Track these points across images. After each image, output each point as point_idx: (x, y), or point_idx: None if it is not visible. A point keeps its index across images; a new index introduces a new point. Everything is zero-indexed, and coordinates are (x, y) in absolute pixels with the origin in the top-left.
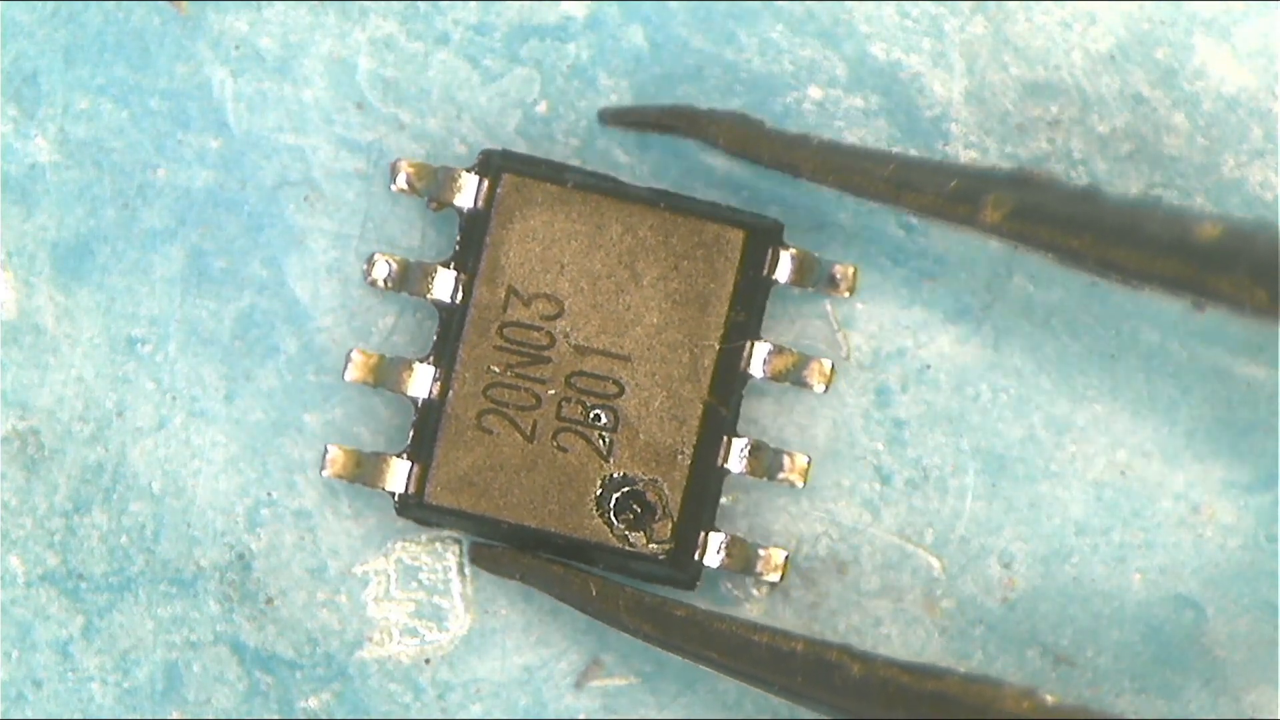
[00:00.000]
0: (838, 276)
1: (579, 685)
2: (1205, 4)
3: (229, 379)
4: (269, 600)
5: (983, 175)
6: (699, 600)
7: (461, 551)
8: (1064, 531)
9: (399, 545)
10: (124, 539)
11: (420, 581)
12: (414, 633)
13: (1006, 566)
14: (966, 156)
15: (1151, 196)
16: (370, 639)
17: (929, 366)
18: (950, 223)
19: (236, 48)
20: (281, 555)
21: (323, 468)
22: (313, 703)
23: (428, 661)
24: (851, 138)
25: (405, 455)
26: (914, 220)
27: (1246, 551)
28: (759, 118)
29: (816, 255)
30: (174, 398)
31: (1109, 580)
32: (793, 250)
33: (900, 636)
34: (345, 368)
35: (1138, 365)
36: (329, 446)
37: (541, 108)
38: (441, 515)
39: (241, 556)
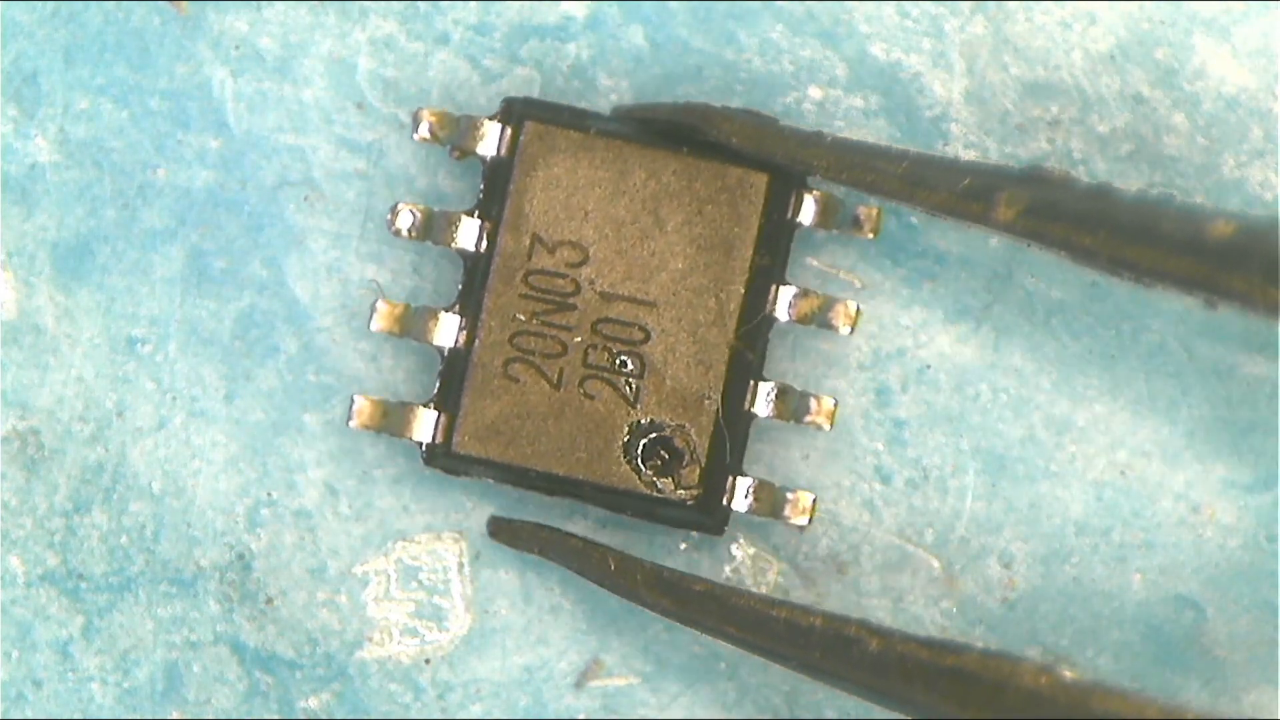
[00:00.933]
0: (861, 218)
1: (579, 685)
2: (1205, 4)
3: (229, 379)
4: (269, 600)
5: (996, 173)
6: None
7: (462, 551)
8: (1064, 531)
9: (399, 545)
10: (124, 539)
11: (420, 581)
12: (414, 633)
13: (1006, 566)
14: (967, 156)
15: (1165, 194)
16: (370, 639)
17: (929, 366)
18: (963, 220)
19: (236, 48)
20: (281, 555)
21: (349, 419)
22: (313, 703)
23: (428, 661)
24: (852, 138)
25: (432, 405)
26: (914, 220)
27: (1246, 551)
28: (771, 115)
29: (840, 197)
30: (174, 398)
31: (1109, 580)
32: (816, 193)
33: None
34: (370, 318)
35: (1138, 365)
36: (355, 397)
37: None
38: (469, 464)
39: (241, 556)
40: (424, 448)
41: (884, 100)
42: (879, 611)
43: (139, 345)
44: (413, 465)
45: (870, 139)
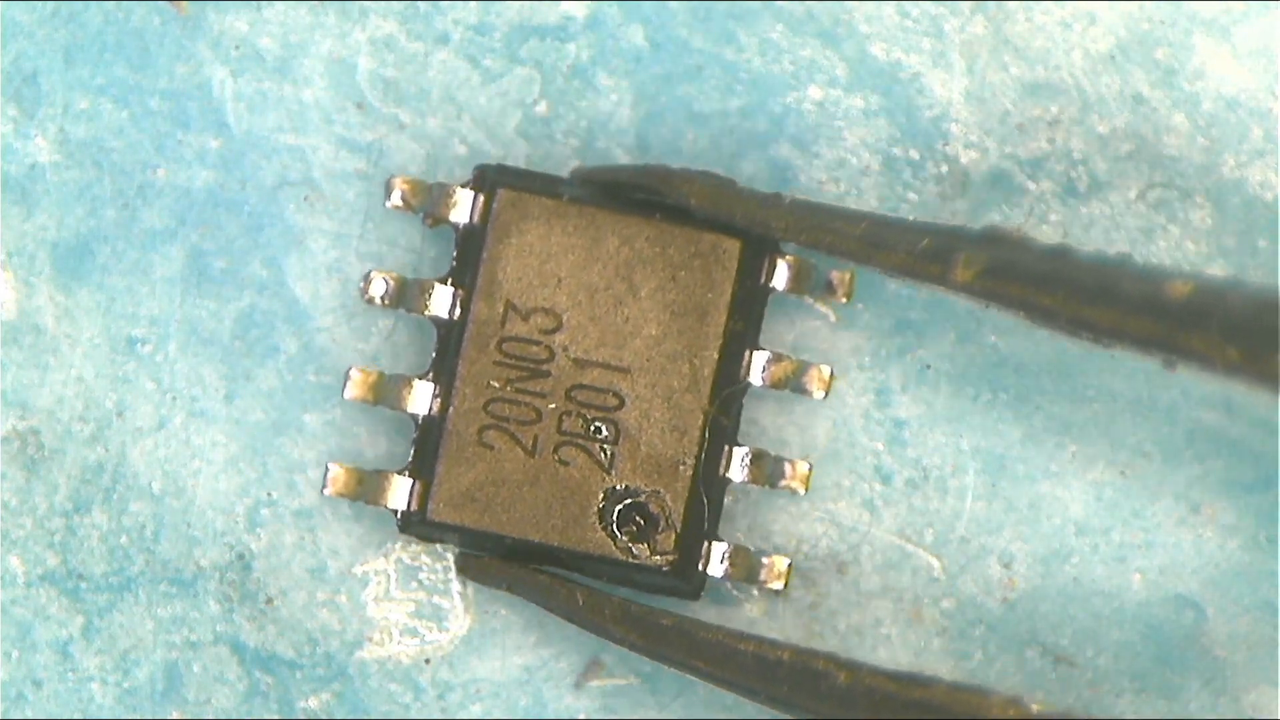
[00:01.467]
0: (834, 282)
1: (579, 685)
2: (1205, 4)
3: (229, 379)
4: (269, 600)
5: (954, 234)
6: (702, 600)
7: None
8: (1064, 531)
9: (399, 545)
10: (124, 539)
11: (420, 581)
12: (414, 633)
13: (1006, 566)
14: (966, 157)
15: (1123, 254)
16: (370, 639)
17: (929, 366)
18: (922, 281)
19: (236, 48)
20: (281, 555)
21: (324, 487)
22: (313, 703)
23: (428, 661)
24: (851, 138)
25: (407, 472)
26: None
27: (1246, 551)
28: (730, 178)
29: (813, 262)
30: (174, 398)
31: (1109, 580)
32: (789, 258)
33: (900, 636)
34: (344, 385)
35: (1138, 365)
36: (330, 465)
37: (541, 108)
38: (444, 531)
39: (241, 556)
40: (399, 515)
41: (884, 100)
42: (879, 611)
43: (139, 345)
44: None
45: (870, 139)
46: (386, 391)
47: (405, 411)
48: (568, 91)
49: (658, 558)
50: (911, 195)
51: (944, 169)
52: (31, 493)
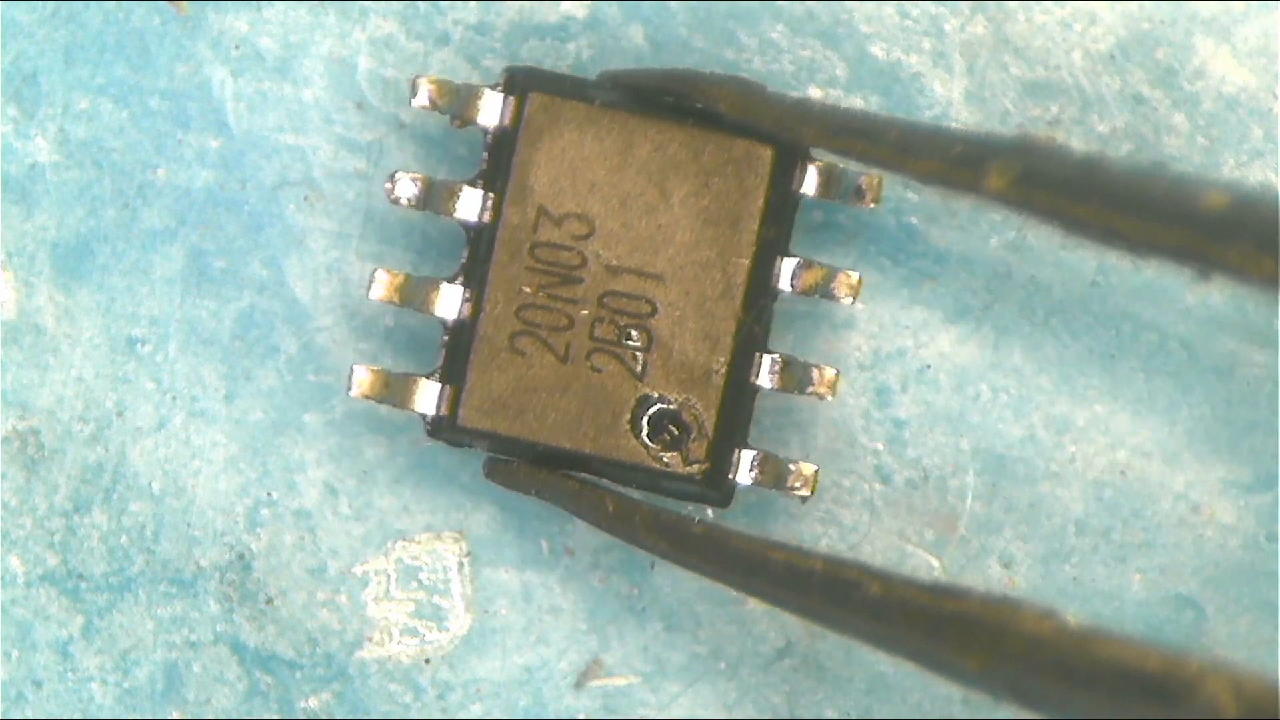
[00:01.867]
0: (863, 187)
1: (579, 685)
2: (1205, 4)
3: (229, 379)
4: (269, 600)
5: (987, 142)
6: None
7: (462, 551)
8: (1064, 531)
9: (399, 545)
10: (124, 539)
11: (420, 581)
12: (414, 633)
13: (1006, 566)
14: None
15: (1158, 162)
16: (370, 639)
17: (929, 366)
18: (954, 189)
19: (236, 48)
20: (281, 555)
21: (349, 389)
22: (313, 703)
23: (428, 661)
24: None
25: (436, 377)
26: (914, 220)
27: (1246, 551)
28: (760, 83)
29: (842, 167)
30: (174, 398)
31: (1109, 580)
32: (819, 163)
33: None
34: (369, 286)
35: (1138, 365)
36: (354, 368)
37: None
38: (474, 437)
39: (241, 556)
40: (428, 420)
41: (884, 100)
42: None
43: (139, 345)
44: (413, 465)
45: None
46: (414, 294)
47: (433, 315)
48: None
49: (690, 466)
50: (911, 195)
51: None
52: (31, 493)
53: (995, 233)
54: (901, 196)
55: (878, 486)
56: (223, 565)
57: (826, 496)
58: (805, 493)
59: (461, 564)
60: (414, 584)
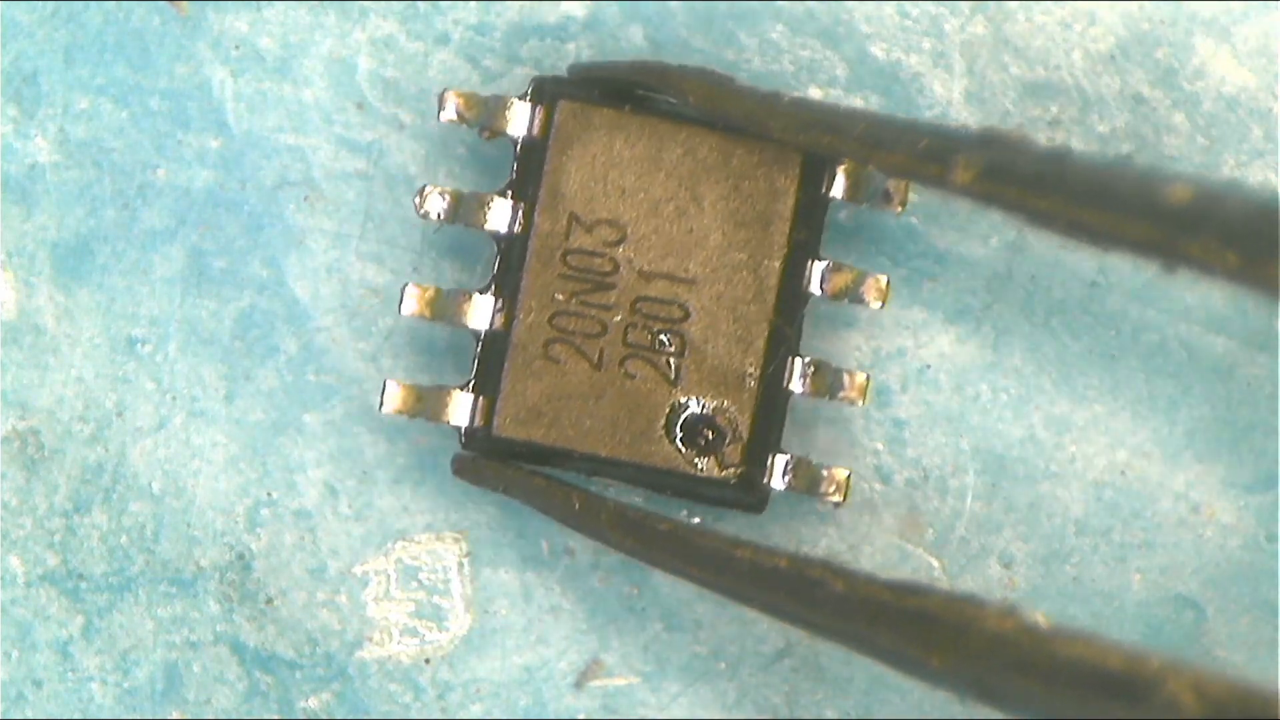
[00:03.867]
0: (890, 191)
1: (579, 685)
2: (1205, 4)
3: (229, 379)
4: (269, 600)
5: (954, 135)
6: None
7: (462, 551)
8: (1064, 531)
9: (399, 545)
10: (124, 539)
11: (420, 581)
12: (414, 633)
13: (1006, 566)
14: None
15: (1123, 157)
16: (370, 639)
17: (929, 366)
18: (921, 181)
19: (236, 48)
20: (281, 555)
21: (380, 405)
22: (313, 703)
23: (428, 661)
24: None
25: (469, 388)
26: (914, 220)
27: (1246, 551)
28: (729, 74)
29: (870, 170)
30: (174, 398)
31: (1109, 580)
32: (846, 166)
33: None
34: (401, 302)
35: (1138, 365)
36: (388, 382)
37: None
38: (511, 447)
39: (241, 556)
40: (463, 432)
41: (884, 100)
42: None
43: (139, 345)
44: (413, 465)
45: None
46: (445, 307)
47: (465, 327)
48: None
49: (725, 471)
50: (912, 195)
51: None
52: (31, 493)
53: (995, 233)
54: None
55: (878, 486)
56: (223, 565)
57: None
58: (838, 499)
59: (461, 564)
60: (414, 584)
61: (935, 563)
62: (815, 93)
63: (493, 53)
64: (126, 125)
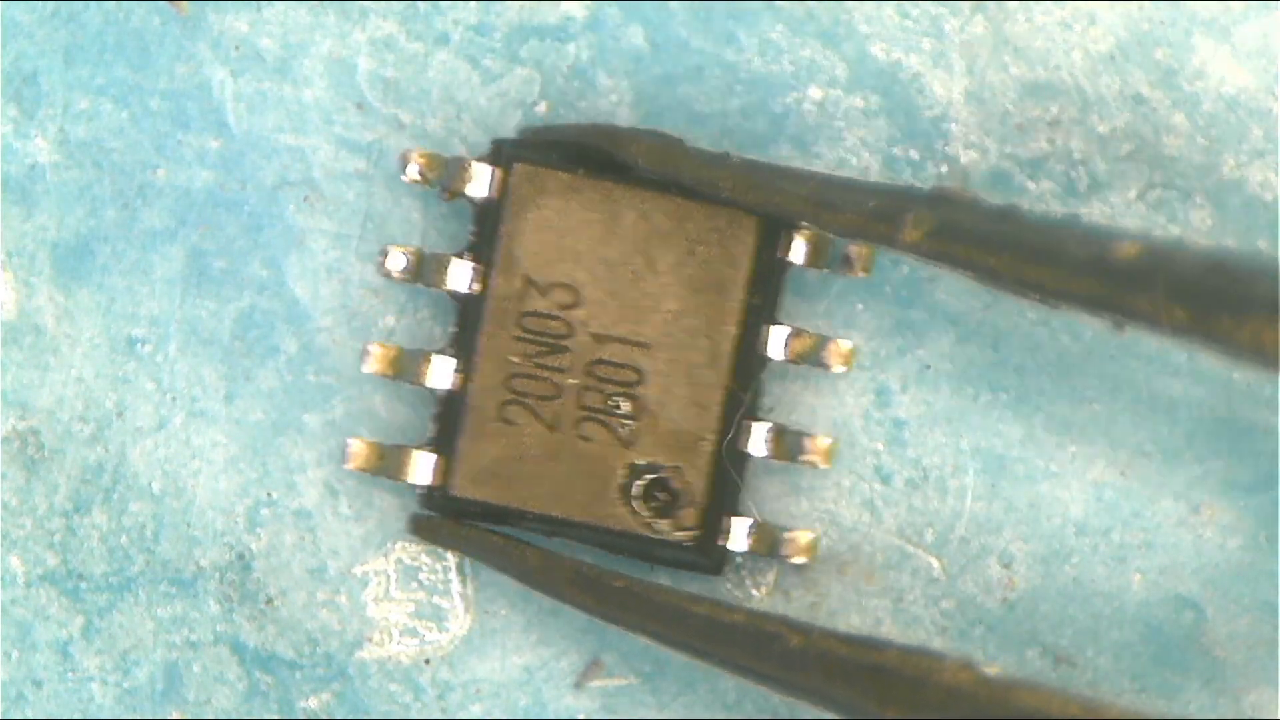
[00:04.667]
0: (852, 256)
1: (579, 685)
2: (1205, 4)
3: (229, 379)
4: (269, 600)
5: (903, 194)
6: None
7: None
8: (1064, 531)
9: (399, 545)
10: (124, 539)
11: (420, 581)
12: (414, 633)
13: (1006, 566)
14: (967, 157)
15: (1071, 215)
16: (370, 639)
17: (929, 366)
18: (871, 242)
19: (236, 48)
20: (281, 555)
21: (344, 460)
22: (313, 703)
23: (428, 662)
24: (851, 138)
25: (429, 448)
26: None
27: (1246, 551)
28: (678, 136)
29: (829, 236)
30: (174, 398)
31: (1109, 580)
32: (805, 232)
33: (900, 636)
34: (363, 359)
35: (1138, 365)
36: (350, 440)
37: (541, 108)
38: (467, 507)
39: (241, 556)
40: (419, 490)
41: (884, 100)
42: (879, 611)
43: (139, 345)
44: None
45: (870, 139)
46: (406, 366)
47: (424, 386)
48: (568, 91)
49: (680, 533)
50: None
51: (944, 169)
52: (31, 493)
53: None
54: None
55: (878, 486)
56: (223, 565)
57: (827, 496)
58: (802, 561)
59: (461, 564)
60: (414, 584)
61: (935, 563)
62: (815, 93)
63: (493, 53)
64: (126, 125)
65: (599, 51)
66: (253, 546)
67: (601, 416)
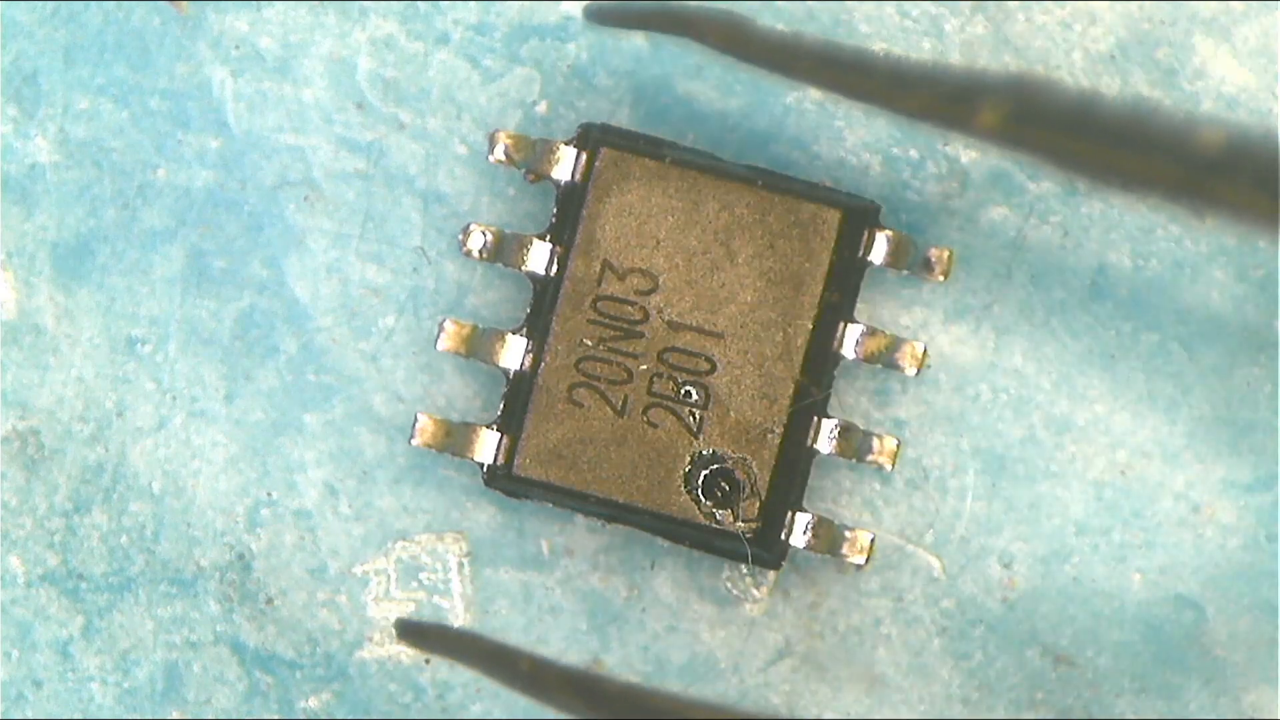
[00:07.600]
0: (932, 260)
1: None
2: (1205, 4)
3: (229, 379)
4: (269, 600)
5: (979, 77)
6: (703, 600)
7: (462, 551)
8: (1064, 531)
9: (399, 545)
10: (124, 539)
11: (420, 581)
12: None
13: (1006, 566)
14: (967, 156)
15: (1154, 100)
16: (370, 639)
17: (929, 367)
18: (944, 125)
19: (236, 48)
20: (281, 555)
21: (411, 436)
22: (313, 703)
23: (428, 661)
24: (851, 138)
25: (495, 426)
26: (915, 221)
27: (1246, 551)
28: (749, 16)
29: (912, 238)
30: (174, 398)
31: (1109, 580)
32: (889, 232)
33: (900, 636)
34: (437, 337)
35: (1138, 365)
36: (419, 415)
37: (541, 108)
38: (529, 487)
39: (241, 556)
40: (485, 469)
41: None
42: (879, 611)
43: (139, 345)
44: (413, 465)
45: (870, 139)
46: (479, 345)
47: (496, 365)
48: (568, 91)
49: (741, 525)
50: (911, 195)
51: (944, 169)
52: (31, 493)
53: (995, 233)
54: (902, 197)
55: (878, 486)
56: (223, 565)
57: (826, 496)
58: (859, 560)
59: (461, 564)
60: (414, 584)
61: (935, 563)
62: (815, 93)
63: (493, 53)
64: (126, 125)
65: (599, 51)
66: (253, 546)
67: (670, 404)
